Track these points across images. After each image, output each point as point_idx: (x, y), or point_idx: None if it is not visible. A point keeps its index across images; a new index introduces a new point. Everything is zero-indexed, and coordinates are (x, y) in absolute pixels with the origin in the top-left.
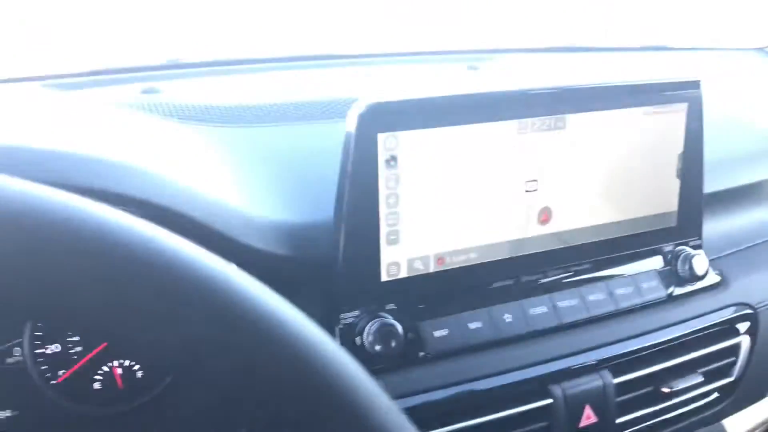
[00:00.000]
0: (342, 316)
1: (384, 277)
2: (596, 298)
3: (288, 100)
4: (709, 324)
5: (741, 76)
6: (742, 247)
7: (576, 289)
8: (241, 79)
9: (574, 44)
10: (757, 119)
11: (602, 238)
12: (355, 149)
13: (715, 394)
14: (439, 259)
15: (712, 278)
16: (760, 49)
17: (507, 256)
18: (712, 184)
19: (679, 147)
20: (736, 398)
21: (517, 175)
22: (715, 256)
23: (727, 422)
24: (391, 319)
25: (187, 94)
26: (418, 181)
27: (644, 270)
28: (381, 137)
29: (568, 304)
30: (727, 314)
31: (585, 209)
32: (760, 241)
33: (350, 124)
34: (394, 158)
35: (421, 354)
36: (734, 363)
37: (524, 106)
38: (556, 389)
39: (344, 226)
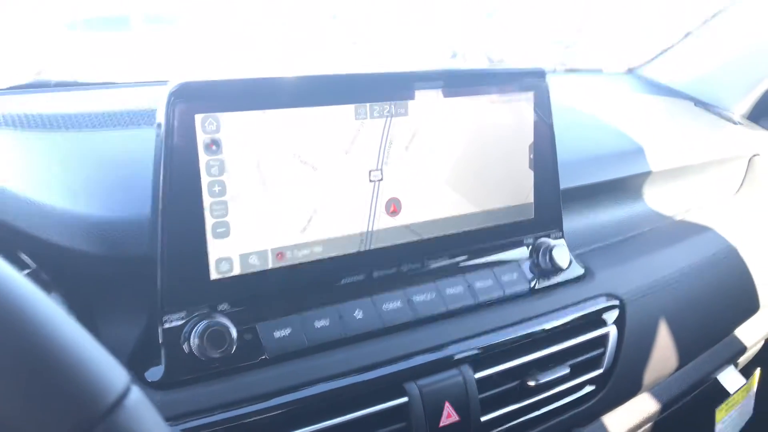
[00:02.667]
0: (165, 318)
1: (214, 275)
2: (454, 292)
3: (111, 109)
4: (575, 316)
5: (611, 94)
6: (607, 243)
7: (432, 284)
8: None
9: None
10: (619, 126)
11: (458, 231)
12: (171, 132)
13: (588, 388)
14: (279, 254)
15: (577, 270)
16: (629, 72)
17: (356, 250)
18: (577, 179)
19: (529, 137)
20: (611, 392)
21: (358, 163)
22: (580, 251)
23: (607, 420)
24: (221, 320)
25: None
26: (246, 168)
27: (504, 263)
28: (199, 119)
29: (424, 298)
30: (593, 305)
31: (436, 200)
32: (624, 237)
33: (162, 104)
34: (216, 143)
35: (261, 357)
36: (603, 354)
37: (360, 90)
38: (412, 387)
39: (163, 217)
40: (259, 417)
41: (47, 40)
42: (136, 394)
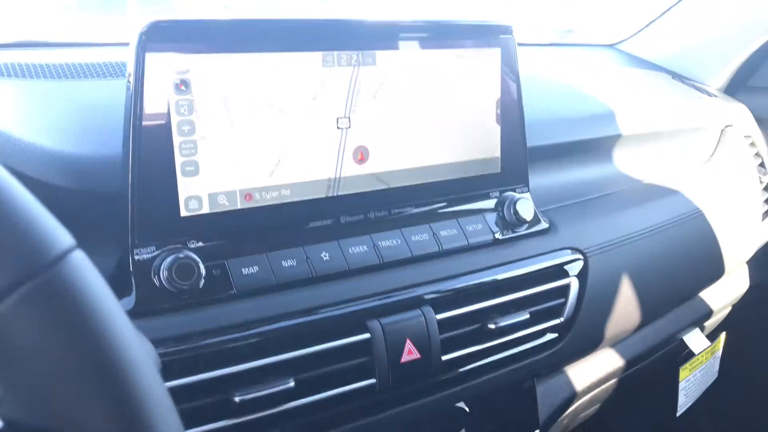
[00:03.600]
0: (136, 251)
1: (183, 212)
2: (419, 239)
3: (92, 62)
4: (537, 266)
5: (590, 65)
6: (573, 201)
7: (398, 231)
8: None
9: None
10: (593, 93)
11: (425, 181)
12: (141, 71)
13: (549, 336)
14: (247, 195)
15: (541, 224)
16: (610, 46)
17: (323, 196)
18: (546, 138)
19: (496, 92)
20: (572, 342)
21: (326, 110)
22: (546, 208)
23: (570, 372)
24: (190, 254)
25: None
26: (215, 109)
27: (470, 214)
28: (168, 58)
29: (389, 243)
30: (556, 257)
31: (404, 150)
32: (591, 197)
33: (133, 43)
34: (185, 83)
35: (230, 292)
36: (564, 304)
37: (328, 37)
38: (375, 324)
39: (133, 154)
40: (227, 347)
41: (40, 23)
42: (81, 255)
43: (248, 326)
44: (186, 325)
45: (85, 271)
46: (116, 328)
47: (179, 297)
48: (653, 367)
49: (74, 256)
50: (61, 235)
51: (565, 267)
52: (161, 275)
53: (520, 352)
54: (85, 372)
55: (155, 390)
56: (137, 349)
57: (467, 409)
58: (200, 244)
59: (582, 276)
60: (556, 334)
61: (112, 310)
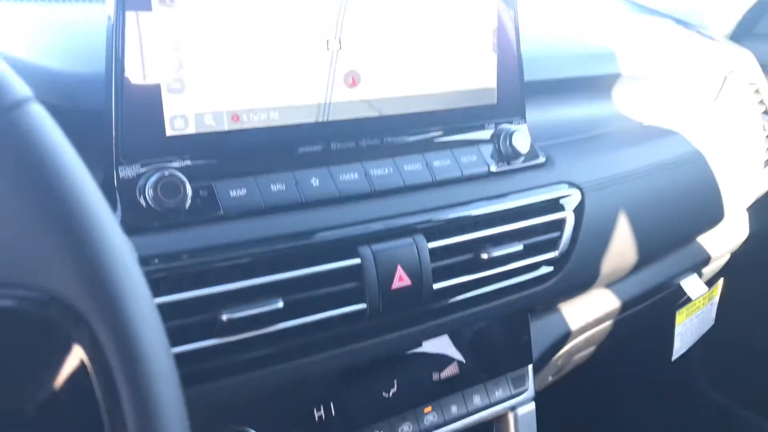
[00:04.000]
0: (120, 168)
1: (169, 132)
2: (412, 169)
3: None
4: (533, 199)
5: (594, 10)
6: (571, 138)
7: (390, 159)
8: None
9: None
10: (596, 33)
11: (418, 110)
12: None
13: (544, 270)
14: (234, 116)
15: (538, 158)
16: None
17: (313, 120)
18: (545, 72)
19: (493, 22)
20: (567, 277)
21: (315, 31)
22: (543, 143)
23: (565, 311)
24: (176, 173)
25: None
26: (202, 26)
27: (464, 145)
28: None
29: (381, 172)
30: (552, 191)
31: (397, 77)
32: (590, 135)
33: None
34: None
35: (217, 214)
36: (559, 238)
37: None
38: (365, 249)
39: (117, 69)
40: (214, 266)
41: None
42: (39, 107)
43: (236, 247)
44: (172, 244)
45: (43, 121)
46: (75, 177)
47: (165, 217)
48: (650, 311)
49: (32, 107)
50: (20, 87)
51: (561, 201)
52: (147, 194)
53: (514, 285)
54: (43, 221)
55: (117, 245)
56: (99, 202)
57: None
58: (186, 163)
59: (578, 211)
60: (551, 268)
61: (71, 160)
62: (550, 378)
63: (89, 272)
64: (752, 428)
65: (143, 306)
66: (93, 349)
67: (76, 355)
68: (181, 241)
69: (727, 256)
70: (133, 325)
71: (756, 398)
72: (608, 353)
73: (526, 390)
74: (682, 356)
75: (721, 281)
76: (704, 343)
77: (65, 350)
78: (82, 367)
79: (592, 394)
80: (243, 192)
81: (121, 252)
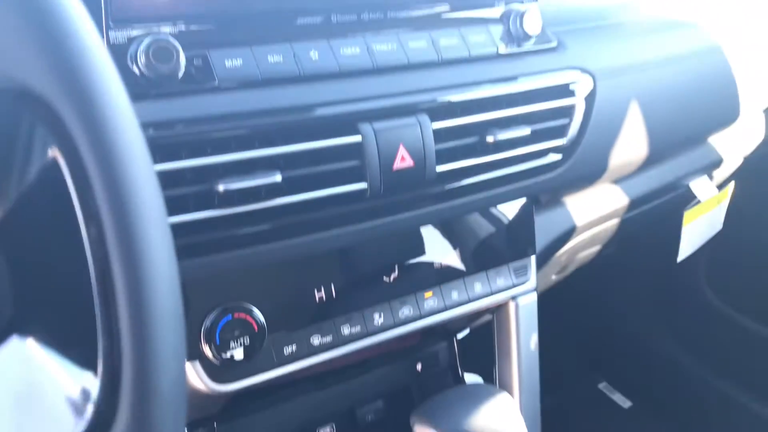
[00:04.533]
0: (110, 33)
1: None
2: (417, 46)
3: None
4: (543, 83)
5: None
6: (585, 26)
7: (395, 35)
8: None
9: None
10: None
11: None
12: None
13: (552, 157)
14: None
15: (549, 41)
16: None
17: None
18: None
19: None
20: (575, 167)
21: None
22: (555, 29)
23: (571, 204)
24: (168, 38)
25: None
26: None
27: (473, 24)
28: None
29: (384, 48)
30: (563, 76)
31: None
32: (604, 23)
33: None
34: None
35: (212, 84)
36: (568, 125)
37: None
38: (366, 127)
39: None
40: (209, 137)
41: None
42: None
43: (232, 118)
44: (166, 112)
45: None
46: None
47: (159, 84)
48: (657, 212)
49: None
50: None
51: (572, 87)
52: (138, 60)
53: (521, 172)
54: (22, 13)
55: (95, 44)
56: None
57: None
58: (180, 29)
59: (589, 99)
60: (559, 156)
61: None
62: (553, 277)
63: (65, 67)
64: (753, 336)
65: (118, 104)
66: (66, 147)
67: (50, 153)
68: (175, 110)
69: (740, 160)
70: (108, 122)
71: (759, 307)
72: (613, 254)
73: (527, 280)
74: (687, 261)
75: (731, 185)
76: (710, 249)
77: (38, 148)
78: (55, 167)
79: (594, 294)
80: (239, 62)
81: (99, 53)
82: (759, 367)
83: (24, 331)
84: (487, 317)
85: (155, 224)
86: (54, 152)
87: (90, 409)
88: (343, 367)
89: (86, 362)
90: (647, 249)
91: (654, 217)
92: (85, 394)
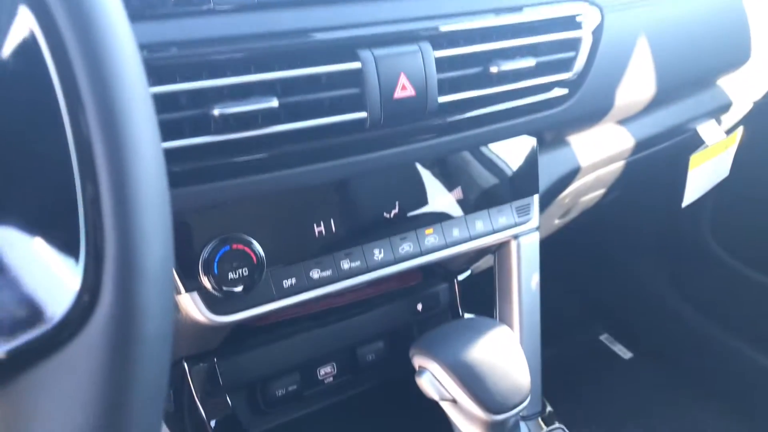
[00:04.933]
0: None
1: None
2: None
3: None
4: (549, 15)
5: None
6: None
7: None
8: None
9: None
10: None
11: None
12: None
13: (557, 92)
14: None
15: None
16: None
17: None
18: None
19: None
20: (581, 102)
21: None
22: None
23: (575, 143)
24: None
25: None
26: None
27: None
28: None
29: None
30: (570, 7)
31: None
32: None
33: None
34: None
35: (206, 6)
36: (574, 58)
37: None
38: (366, 54)
39: None
40: (204, 60)
41: None
42: None
43: (228, 41)
44: (160, 34)
45: None
46: None
47: (153, 5)
48: (663, 155)
49: None
50: None
51: (578, 19)
52: None
53: (526, 106)
54: None
55: None
56: None
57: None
58: None
59: (596, 32)
60: (564, 91)
61: None
62: (556, 221)
63: None
64: (757, 287)
65: None
66: (42, 16)
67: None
68: (170, 32)
69: (750, 106)
70: None
71: (763, 257)
72: (617, 198)
73: (530, 220)
74: (691, 210)
75: (740, 130)
76: (715, 198)
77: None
78: (32, 39)
79: (596, 244)
80: None
81: None
82: (762, 318)
83: (3, 212)
84: (489, 259)
85: (137, 97)
86: (30, 21)
87: (73, 289)
88: (344, 306)
89: (69, 242)
90: (652, 194)
91: (660, 160)
92: (68, 274)
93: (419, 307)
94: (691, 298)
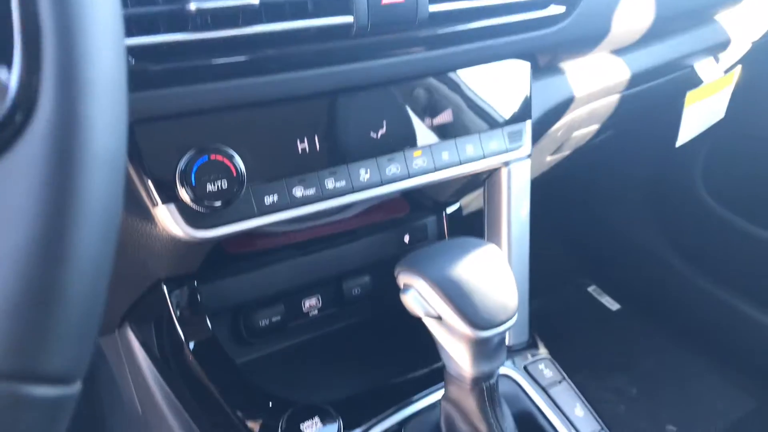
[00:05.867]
0: None
1: None
2: None
3: None
4: None
5: None
6: None
7: None
8: None
9: None
10: None
11: None
12: None
13: (552, 9)
14: None
15: None
16: None
17: None
18: None
19: None
20: (576, 25)
21: None
22: None
23: (569, 69)
24: None
25: None
26: None
27: None
28: None
29: None
30: None
31: None
32: None
33: None
34: None
35: None
36: None
37: None
38: None
39: None
40: None
41: None
42: None
43: None
44: None
45: None
46: None
47: None
48: (659, 91)
49: None
50: None
51: None
52: None
53: (520, 23)
54: None
55: None
56: None
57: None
58: None
59: None
60: (561, 9)
61: None
62: (548, 158)
63: None
64: (749, 239)
65: None
66: None
67: None
68: None
69: (748, 46)
70: None
71: (756, 208)
72: (611, 135)
73: (522, 146)
74: (684, 157)
75: (738, 70)
76: (709, 146)
77: None
78: None
79: (586, 192)
80: None
81: None
82: (752, 270)
83: None
84: (479, 197)
85: None
86: None
87: (9, 96)
88: (330, 235)
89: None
90: (646, 135)
91: (655, 97)
92: (3, 77)
93: (406, 239)
94: (680, 249)
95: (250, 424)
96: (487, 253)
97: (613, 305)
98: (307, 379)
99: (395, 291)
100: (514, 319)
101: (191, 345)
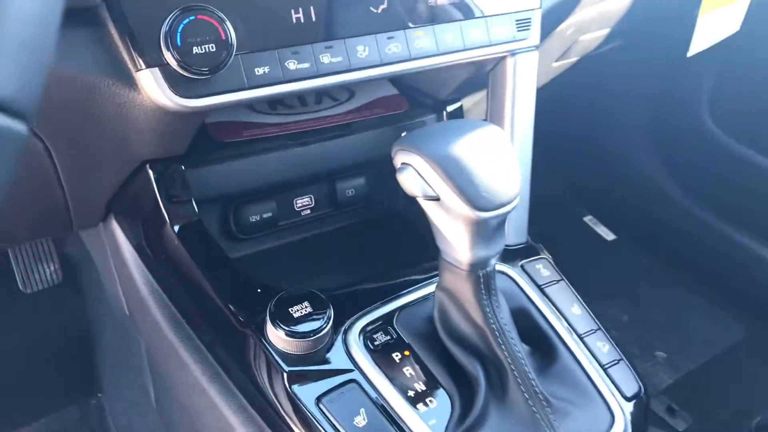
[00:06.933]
0: None
1: None
2: None
3: None
4: None
5: None
6: None
7: None
8: None
9: None
10: None
11: None
12: None
13: None
14: None
15: None
16: None
17: None
18: None
19: None
20: None
21: None
22: None
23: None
24: None
25: None
26: None
27: None
28: None
29: None
30: None
31: None
32: None
33: None
34: None
35: None
36: None
37: None
38: None
39: None
40: None
41: None
42: None
43: None
44: None
45: None
46: None
47: None
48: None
49: None
50: None
51: None
52: None
53: None
54: None
55: None
56: None
57: None
58: None
59: None
60: None
61: None
62: (554, 64)
63: None
64: (753, 169)
65: None
66: None
67: None
68: None
69: None
70: None
71: (759, 139)
72: (619, 49)
73: (530, 36)
74: (690, 85)
75: None
76: (717, 72)
77: None
78: None
79: (587, 115)
80: None
81: None
82: (756, 202)
83: None
84: (481, 92)
85: None
86: None
87: None
88: (325, 128)
89: None
90: (656, 45)
91: (669, 4)
92: None
93: (404, 135)
94: (681, 179)
95: (237, 310)
96: (489, 134)
97: (609, 235)
98: (298, 273)
99: (391, 194)
100: (516, 201)
101: (176, 228)
